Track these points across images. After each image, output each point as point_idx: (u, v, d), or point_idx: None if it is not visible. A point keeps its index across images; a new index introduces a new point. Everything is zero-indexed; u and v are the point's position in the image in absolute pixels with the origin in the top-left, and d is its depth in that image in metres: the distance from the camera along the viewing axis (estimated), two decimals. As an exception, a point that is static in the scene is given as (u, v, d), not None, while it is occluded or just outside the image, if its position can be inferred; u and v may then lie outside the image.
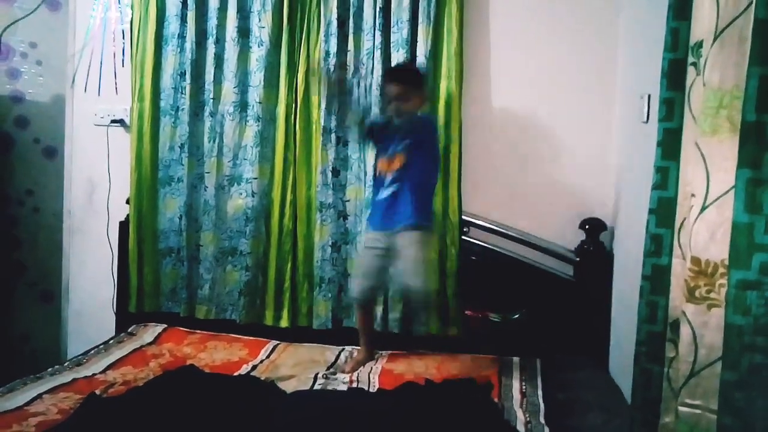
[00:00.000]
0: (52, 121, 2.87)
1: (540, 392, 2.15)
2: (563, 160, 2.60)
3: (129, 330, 2.63)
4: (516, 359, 2.41)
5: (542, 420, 1.94)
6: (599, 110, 2.56)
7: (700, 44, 1.30)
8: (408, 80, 2.29)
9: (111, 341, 2.51)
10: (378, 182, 2.35)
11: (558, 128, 2.59)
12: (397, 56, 2.53)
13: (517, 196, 2.63)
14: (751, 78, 1.16)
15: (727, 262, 1.18)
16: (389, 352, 2.48)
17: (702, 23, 1.29)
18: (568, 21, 2.56)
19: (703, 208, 1.22)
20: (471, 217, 2.58)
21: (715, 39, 1.23)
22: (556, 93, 2.57)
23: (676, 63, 1.39)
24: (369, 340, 2.42)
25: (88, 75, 2.83)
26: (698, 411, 1.22)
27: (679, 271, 1.31)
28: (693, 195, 1.25)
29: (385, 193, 2.28)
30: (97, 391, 1.95)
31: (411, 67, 2.47)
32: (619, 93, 2.51)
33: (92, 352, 2.38)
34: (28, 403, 1.85)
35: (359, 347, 2.44)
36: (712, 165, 1.22)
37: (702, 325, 1.22)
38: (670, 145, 1.39)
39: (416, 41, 2.52)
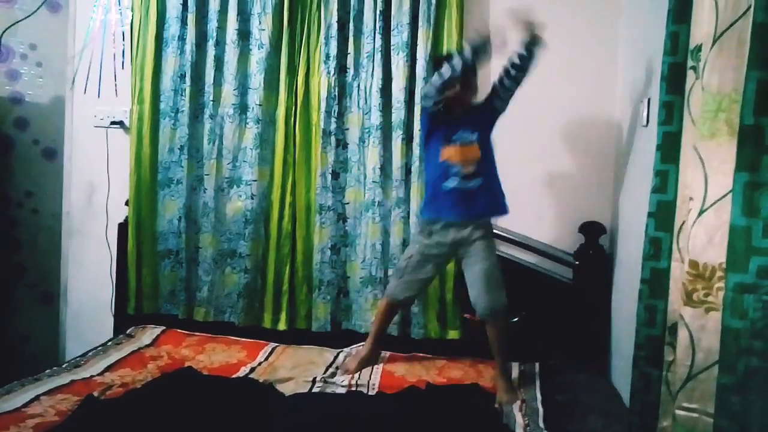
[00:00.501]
0: (51, 123, 2.87)
1: (539, 396, 2.14)
2: (563, 163, 2.60)
3: (127, 332, 2.62)
4: (515, 363, 2.40)
5: (541, 424, 1.93)
6: (599, 113, 2.56)
7: (699, 48, 1.31)
8: (472, 71, 2.19)
9: (109, 343, 2.51)
10: (446, 171, 2.19)
11: (557, 131, 2.59)
12: (398, 59, 2.53)
13: (516, 199, 2.60)
14: (749, 82, 1.16)
15: (724, 266, 1.18)
16: (389, 353, 2.47)
17: (701, 27, 1.30)
18: (568, 24, 2.55)
19: (702, 212, 1.22)
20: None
21: (714, 43, 1.23)
22: (555, 96, 2.57)
23: (676, 67, 1.40)
24: (378, 338, 2.39)
25: (87, 77, 2.83)
26: (695, 415, 1.22)
27: (678, 275, 1.31)
28: (691, 198, 1.25)
29: (464, 184, 2.17)
30: (95, 393, 1.94)
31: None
32: (619, 96, 2.51)
33: (90, 353, 2.37)
34: (25, 405, 1.84)
35: (365, 343, 2.40)
36: (710, 168, 1.22)
37: (699, 329, 1.22)
38: (669, 149, 1.39)
39: (416, 44, 2.52)
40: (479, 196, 2.19)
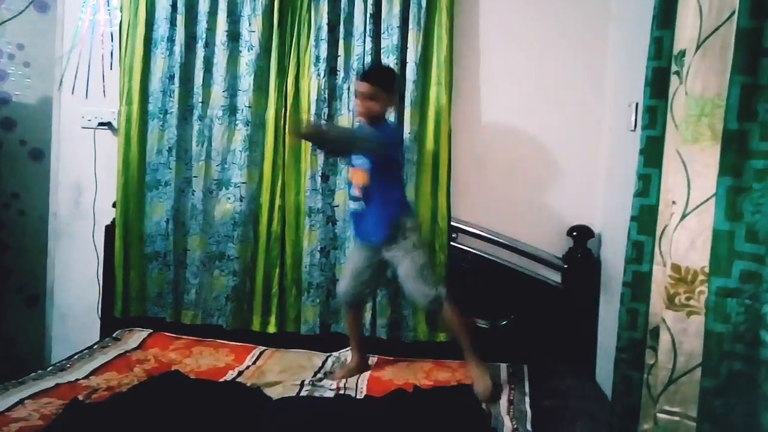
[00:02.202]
0: (38, 124, 2.85)
1: (527, 399, 2.14)
2: (552, 167, 2.60)
3: (114, 335, 2.61)
4: (503, 366, 2.41)
5: (529, 427, 1.94)
6: (588, 118, 2.56)
7: (683, 53, 1.31)
8: (374, 79, 2.24)
9: (95, 346, 2.49)
10: (350, 192, 2.33)
11: (547, 135, 2.59)
12: (388, 62, 2.52)
13: (505, 203, 2.63)
14: (733, 87, 1.17)
15: (707, 270, 1.19)
16: (377, 357, 2.47)
17: (685, 32, 1.30)
18: (558, 30, 2.57)
19: (684, 216, 1.23)
20: (459, 224, 2.58)
21: (697, 48, 1.24)
22: (545, 101, 2.58)
23: (660, 71, 1.41)
24: (359, 345, 2.40)
25: (75, 77, 2.81)
26: (676, 418, 1.23)
27: (660, 278, 1.31)
28: (674, 202, 1.26)
29: (353, 206, 2.30)
30: (80, 397, 1.93)
31: (381, 66, 2.46)
32: (608, 101, 2.52)
33: (76, 357, 2.36)
34: (9, 409, 1.82)
35: (350, 353, 2.42)
36: (693, 173, 1.23)
37: (681, 332, 1.22)
38: (652, 153, 1.40)
39: (406, 48, 2.52)
40: (364, 221, 2.27)
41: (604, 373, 2.34)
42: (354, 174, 2.29)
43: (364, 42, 2.54)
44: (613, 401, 1.48)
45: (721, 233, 1.16)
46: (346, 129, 2.50)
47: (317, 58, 2.58)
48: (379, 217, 2.23)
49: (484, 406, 2.06)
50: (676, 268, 1.23)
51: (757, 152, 1.13)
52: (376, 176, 2.22)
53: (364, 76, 2.30)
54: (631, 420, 1.38)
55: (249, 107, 2.62)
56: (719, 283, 1.15)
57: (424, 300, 2.21)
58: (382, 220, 2.22)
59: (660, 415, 1.24)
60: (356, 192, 2.26)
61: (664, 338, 1.23)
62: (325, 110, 2.59)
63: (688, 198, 1.22)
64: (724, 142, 1.18)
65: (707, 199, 1.20)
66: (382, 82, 2.24)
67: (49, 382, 2.04)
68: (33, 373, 2.13)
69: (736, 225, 1.15)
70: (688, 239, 1.22)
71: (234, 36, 2.65)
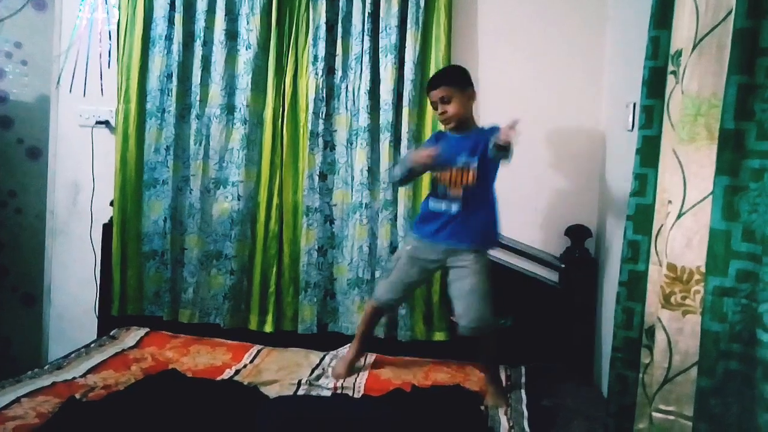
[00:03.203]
0: (36, 122, 2.85)
1: (524, 399, 2.14)
2: (549, 166, 2.60)
3: (111, 333, 2.60)
4: (501, 366, 2.40)
5: (526, 427, 1.94)
6: (586, 118, 2.57)
7: (679, 53, 1.31)
8: (445, 81, 2.16)
9: (92, 345, 2.48)
10: (439, 192, 2.17)
11: (544, 135, 2.59)
12: (386, 62, 2.53)
13: (503, 203, 2.60)
14: (730, 86, 1.17)
15: (702, 269, 1.19)
16: (375, 355, 2.47)
17: (681, 32, 1.31)
18: (555, 30, 2.57)
19: (680, 215, 1.23)
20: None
21: (694, 48, 1.24)
22: (542, 100, 2.58)
23: (657, 71, 1.41)
24: (364, 341, 2.37)
25: (73, 76, 2.81)
26: (672, 417, 1.23)
27: (656, 278, 1.31)
28: (670, 202, 1.26)
29: (451, 207, 2.13)
30: (77, 395, 1.93)
31: (449, 69, 2.37)
32: (605, 101, 2.52)
33: (73, 355, 2.35)
34: (6, 407, 1.82)
35: (350, 346, 2.40)
36: (689, 172, 1.23)
37: (677, 332, 1.22)
38: (648, 153, 1.40)
39: (405, 47, 2.52)
40: (463, 222, 2.12)
41: (602, 373, 2.34)
42: (457, 172, 2.11)
43: (362, 41, 2.54)
44: (608, 400, 1.48)
45: (718, 232, 1.16)
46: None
47: (315, 57, 2.58)
48: (479, 221, 2.13)
49: (482, 406, 2.06)
50: (671, 267, 1.23)
51: (753, 152, 1.13)
52: (482, 178, 2.11)
53: (431, 83, 2.21)
54: (626, 419, 1.38)
55: (247, 106, 2.62)
56: (716, 282, 1.15)
57: (479, 322, 2.08)
58: (481, 225, 2.14)
59: (655, 414, 1.24)
60: (454, 192, 2.12)
61: (660, 337, 1.24)
62: (323, 109, 2.59)
63: (684, 197, 1.23)
64: (721, 141, 1.18)
65: (703, 199, 1.20)
66: (452, 81, 2.16)
67: (45, 381, 2.04)
68: (30, 372, 2.13)
69: (732, 224, 1.15)
70: (684, 238, 1.22)
71: (232, 35, 2.65)
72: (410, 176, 2.22)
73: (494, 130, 2.04)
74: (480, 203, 2.14)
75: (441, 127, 2.49)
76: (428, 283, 2.53)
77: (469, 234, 2.13)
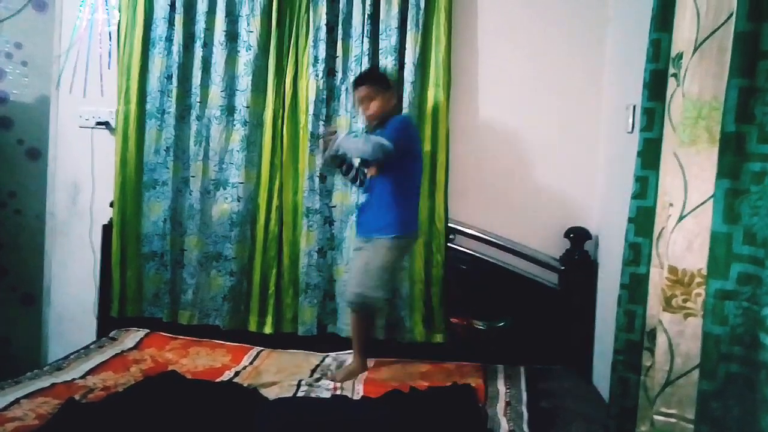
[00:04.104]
0: (36, 123, 2.84)
1: (524, 400, 2.14)
2: (549, 169, 2.60)
3: (110, 335, 2.60)
4: (500, 367, 2.41)
5: (526, 428, 1.94)
6: (586, 120, 2.57)
7: (680, 56, 1.32)
8: (367, 81, 2.34)
9: (92, 346, 2.48)
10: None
11: (544, 138, 2.60)
12: (386, 63, 2.53)
13: (503, 204, 2.63)
14: (731, 90, 1.17)
15: (703, 272, 1.19)
16: (374, 359, 2.46)
17: (682, 35, 1.31)
18: (556, 32, 2.57)
19: (681, 218, 1.23)
20: (457, 225, 2.58)
21: (695, 50, 1.24)
22: (543, 103, 2.58)
23: (657, 74, 1.41)
24: (362, 348, 2.37)
25: (73, 76, 2.81)
26: (673, 420, 1.23)
27: (657, 280, 1.31)
28: (671, 204, 1.26)
29: (362, 198, 2.35)
30: (76, 397, 1.93)
31: (371, 69, 2.50)
32: (605, 104, 2.53)
33: (72, 356, 2.35)
34: (5, 408, 1.82)
35: (352, 354, 2.40)
36: (690, 175, 1.23)
37: (678, 334, 1.22)
38: (649, 155, 1.40)
39: (404, 49, 2.52)
40: (368, 212, 2.34)
41: (601, 374, 2.34)
42: (370, 166, 2.36)
43: (363, 43, 2.54)
44: (610, 403, 1.49)
45: (719, 235, 1.16)
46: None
47: (315, 58, 2.58)
48: (388, 207, 2.29)
49: (481, 405, 2.06)
50: (673, 270, 1.23)
51: (754, 155, 1.14)
52: (386, 166, 2.28)
53: (356, 82, 2.38)
54: (628, 422, 1.38)
55: (247, 107, 2.62)
56: (717, 285, 1.15)
57: (358, 296, 2.25)
58: (389, 211, 2.28)
59: (657, 417, 1.24)
60: (368, 183, 2.36)
61: (661, 340, 1.24)
62: (323, 111, 2.60)
63: (685, 200, 1.23)
64: (722, 144, 1.18)
65: (704, 202, 1.20)
66: (374, 81, 2.34)
67: (45, 382, 2.04)
68: (29, 373, 2.13)
69: (734, 227, 1.15)
70: (685, 241, 1.22)
71: (232, 36, 2.65)
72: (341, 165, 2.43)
73: (394, 121, 2.30)
74: (385, 194, 2.29)
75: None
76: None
77: (373, 223, 2.31)
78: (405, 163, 2.29)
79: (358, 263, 2.30)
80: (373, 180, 2.29)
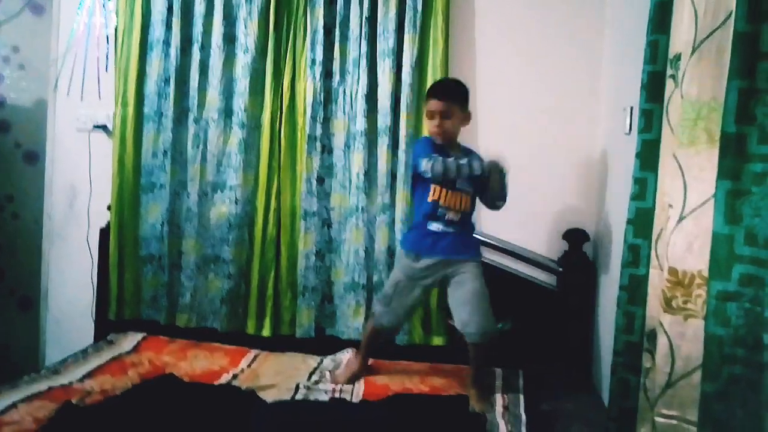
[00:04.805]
0: (33, 126, 2.84)
1: (522, 403, 2.14)
2: (547, 170, 2.60)
3: (108, 338, 2.59)
4: (498, 370, 2.40)
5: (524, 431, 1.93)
6: (584, 121, 2.57)
7: (678, 57, 1.31)
8: (450, 96, 2.15)
9: (89, 349, 2.47)
10: (433, 211, 2.16)
11: (542, 139, 2.59)
12: (384, 65, 2.53)
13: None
14: (731, 90, 1.17)
15: (704, 273, 1.19)
16: (372, 360, 2.45)
17: (680, 36, 1.31)
18: (553, 33, 2.57)
19: (681, 219, 1.23)
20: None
21: (693, 51, 1.24)
22: (540, 104, 2.58)
23: (655, 75, 1.41)
24: (369, 353, 2.36)
25: (71, 80, 2.79)
26: (674, 422, 1.22)
27: (656, 282, 1.31)
28: (671, 206, 1.26)
29: (446, 229, 2.16)
30: (73, 400, 1.91)
31: (451, 80, 2.34)
32: (603, 105, 2.53)
33: (70, 360, 2.34)
34: (2, 412, 1.81)
35: (353, 354, 2.41)
36: (689, 176, 1.23)
37: (679, 336, 1.22)
38: (648, 156, 1.40)
39: (402, 51, 2.52)
40: (458, 239, 2.17)
41: (600, 376, 2.34)
42: (453, 197, 2.15)
43: (360, 45, 2.54)
44: (609, 405, 1.48)
45: (721, 237, 1.16)
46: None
47: (313, 61, 2.58)
48: (470, 234, 2.26)
49: (477, 409, 2.05)
50: (673, 271, 1.23)
51: (755, 155, 1.14)
52: (474, 202, 2.22)
53: (435, 93, 2.17)
54: (627, 424, 1.38)
55: (244, 110, 2.62)
56: (719, 286, 1.15)
57: (487, 328, 2.11)
58: (473, 238, 2.28)
59: (658, 419, 1.24)
60: (452, 215, 2.16)
61: (662, 342, 1.23)
62: (321, 113, 2.59)
63: (684, 201, 1.22)
64: (723, 145, 1.18)
65: (704, 203, 1.20)
66: (456, 97, 2.16)
67: (42, 386, 2.03)
68: (26, 376, 2.11)
69: (735, 228, 1.15)
70: (685, 242, 1.22)
71: (230, 39, 2.64)
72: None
73: (476, 156, 2.16)
74: (470, 220, 2.24)
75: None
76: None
77: (465, 246, 2.19)
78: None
79: (468, 293, 2.12)
80: (462, 215, 2.18)
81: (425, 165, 2.09)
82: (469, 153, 2.22)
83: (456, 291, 2.16)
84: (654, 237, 1.35)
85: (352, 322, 2.58)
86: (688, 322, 1.22)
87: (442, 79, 2.43)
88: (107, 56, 2.78)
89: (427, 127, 2.22)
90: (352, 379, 2.28)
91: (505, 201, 2.24)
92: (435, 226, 2.16)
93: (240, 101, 2.62)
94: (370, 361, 2.43)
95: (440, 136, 2.16)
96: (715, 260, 1.16)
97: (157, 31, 2.66)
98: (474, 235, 2.30)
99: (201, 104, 2.65)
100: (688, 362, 1.20)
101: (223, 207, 2.65)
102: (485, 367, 2.24)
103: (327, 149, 2.62)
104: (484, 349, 2.15)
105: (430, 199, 2.15)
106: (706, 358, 1.17)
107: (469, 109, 2.22)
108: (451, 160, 2.09)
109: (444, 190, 2.14)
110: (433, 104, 2.14)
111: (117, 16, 2.70)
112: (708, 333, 1.16)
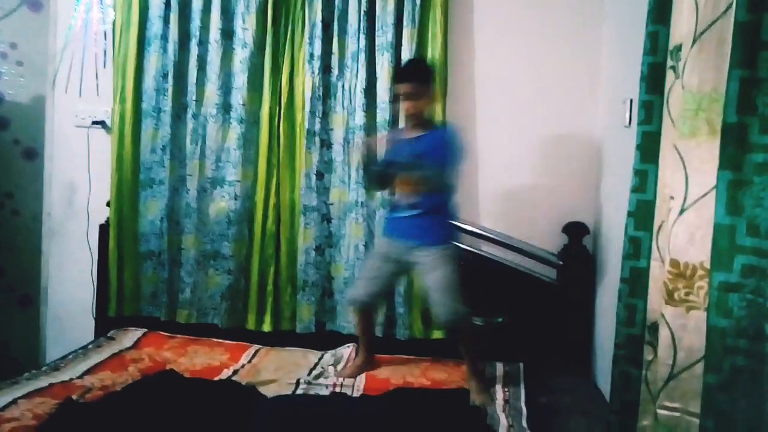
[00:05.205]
0: (32, 123, 2.83)
1: (523, 397, 2.14)
2: (546, 164, 2.60)
3: (108, 334, 2.59)
4: (499, 364, 2.40)
5: (525, 425, 1.93)
6: (583, 114, 2.56)
7: (678, 48, 1.31)
8: (414, 77, 2.17)
9: (90, 346, 2.47)
10: (397, 201, 2.25)
11: (541, 132, 2.59)
12: (382, 60, 2.52)
13: (500, 200, 2.63)
14: (732, 81, 1.16)
15: (705, 265, 1.18)
16: (373, 354, 2.45)
17: (681, 27, 1.30)
18: (552, 26, 2.56)
19: (682, 211, 1.22)
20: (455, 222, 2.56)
21: (694, 42, 1.23)
22: (539, 97, 2.58)
23: (655, 67, 1.40)
24: (368, 345, 2.37)
25: (69, 76, 2.78)
26: (677, 414, 1.22)
27: (657, 274, 1.31)
28: (672, 197, 1.25)
29: (405, 214, 2.19)
30: (74, 396, 1.91)
31: (420, 62, 2.39)
32: (602, 98, 2.52)
33: (70, 356, 2.34)
34: (2, 409, 1.80)
35: (348, 345, 2.44)
36: (690, 167, 1.22)
37: (681, 328, 1.21)
38: (648, 148, 1.39)
39: (401, 45, 2.51)
40: (415, 225, 2.17)
41: (600, 370, 2.34)
42: (408, 183, 2.18)
43: (359, 39, 2.53)
44: (611, 398, 1.48)
45: (722, 227, 1.15)
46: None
47: (311, 55, 2.57)
48: (435, 221, 2.19)
49: (478, 402, 2.05)
50: (674, 263, 1.22)
51: (757, 146, 1.13)
52: (434, 184, 2.16)
53: (400, 77, 2.23)
54: (629, 416, 1.37)
55: (243, 105, 2.61)
56: (721, 278, 1.14)
57: (453, 314, 2.12)
58: (440, 224, 2.20)
59: (660, 411, 1.24)
60: (409, 200, 2.17)
61: (664, 334, 1.23)
62: (320, 108, 2.58)
63: (686, 193, 1.22)
64: (724, 136, 1.18)
65: (705, 194, 1.20)
66: (423, 78, 2.17)
67: (42, 382, 2.02)
68: (26, 373, 2.11)
69: (737, 219, 1.15)
70: (686, 234, 1.21)
71: (228, 34, 2.63)
72: (381, 176, 2.27)
73: (447, 133, 2.20)
74: (437, 204, 2.18)
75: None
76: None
77: (427, 231, 2.18)
78: (449, 181, 2.21)
79: (432, 281, 2.15)
80: (419, 199, 2.17)
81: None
82: (432, 134, 2.20)
83: (421, 281, 2.26)
84: (655, 229, 1.34)
85: (352, 317, 2.57)
86: (690, 313, 1.21)
87: (411, 60, 2.44)
88: (105, 52, 2.77)
89: (402, 108, 2.27)
90: (357, 372, 2.29)
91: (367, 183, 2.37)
92: (397, 213, 2.24)
93: (238, 96, 2.62)
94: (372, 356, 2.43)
95: (408, 119, 2.24)
96: (716, 251, 1.15)
97: (154, 27, 2.65)
98: (447, 221, 2.24)
99: (199, 100, 2.64)
100: (691, 354, 1.20)
101: (223, 202, 2.65)
102: (478, 357, 2.24)
103: (326, 144, 2.62)
104: (463, 336, 2.20)
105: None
106: (708, 350, 1.16)
107: (435, 88, 2.27)
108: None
109: (398, 179, 2.22)
110: (405, 87, 2.17)
111: (114, 12, 2.68)
112: (710, 324, 1.16)
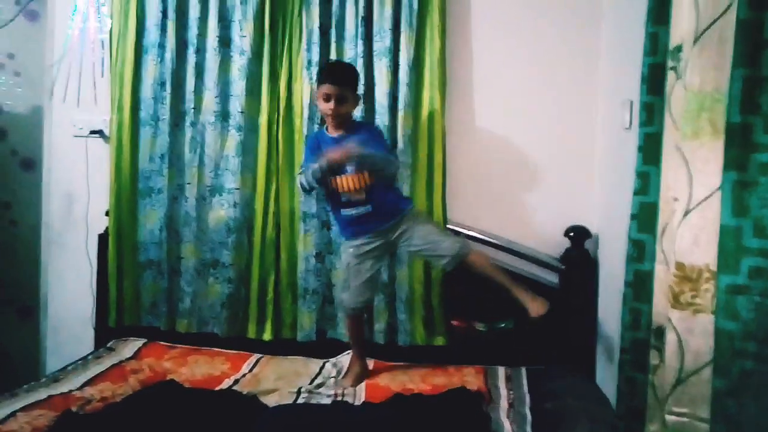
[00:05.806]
0: (30, 133, 2.82)
1: (527, 402, 2.12)
2: (547, 167, 2.59)
3: (108, 345, 2.57)
4: (502, 369, 2.39)
5: (529, 431, 1.91)
6: (583, 118, 2.55)
7: (679, 48, 1.29)
8: (344, 81, 2.22)
9: (89, 357, 2.45)
10: (339, 200, 2.25)
11: (541, 136, 2.58)
12: (380, 65, 2.51)
13: (501, 204, 2.61)
14: (735, 80, 1.15)
15: (711, 267, 1.17)
16: (373, 361, 2.44)
17: (681, 27, 1.29)
18: (550, 29, 2.56)
19: (687, 213, 1.20)
20: (455, 226, 2.55)
21: (695, 42, 1.22)
22: (539, 101, 2.57)
23: (656, 67, 1.39)
24: (362, 351, 2.37)
25: (66, 86, 2.78)
26: (685, 419, 1.20)
27: (662, 277, 1.29)
28: (676, 199, 1.23)
29: (357, 211, 2.23)
30: (73, 408, 1.90)
31: (345, 64, 2.42)
32: (601, 100, 2.51)
33: (70, 368, 2.32)
34: (1, 422, 1.78)
35: (348, 353, 2.42)
36: (694, 169, 1.21)
37: (687, 331, 1.20)
38: (650, 150, 1.38)
39: (399, 50, 2.50)
40: (375, 215, 2.23)
41: (604, 374, 2.32)
42: (349, 180, 2.20)
43: (357, 45, 2.52)
44: (618, 403, 1.46)
45: (728, 229, 1.14)
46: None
47: (309, 61, 2.56)
48: (388, 202, 2.25)
49: (484, 408, 2.03)
50: (680, 266, 1.21)
51: (762, 145, 1.12)
52: (375, 175, 2.21)
53: (328, 78, 2.23)
54: (636, 422, 1.35)
55: (241, 112, 2.60)
56: (728, 280, 1.13)
57: (454, 248, 2.19)
58: (396, 199, 2.29)
59: (669, 417, 1.22)
60: (358, 196, 2.21)
61: (670, 338, 1.21)
62: (318, 114, 2.57)
63: (690, 194, 1.20)
64: (728, 136, 1.16)
65: (710, 195, 1.18)
66: (351, 83, 2.26)
67: (41, 394, 2.00)
68: (25, 385, 2.09)
69: (743, 220, 1.13)
70: (691, 236, 1.19)
71: (225, 41, 2.62)
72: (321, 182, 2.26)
73: (373, 127, 2.34)
74: (384, 190, 2.25)
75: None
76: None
77: (389, 212, 2.24)
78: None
79: (428, 230, 2.24)
80: (366, 193, 2.21)
81: (299, 181, 2.30)
82: (359, 130, 2.27)
83: (411, 244, 2.25)
84: (659, 232, 1.33)
85: (345, 324, 2.55)
86: (696, 317, 1.19)
87: (335, 62, 2.47)
88: (102, 61, 2.76)
89: (321, 109, 2.28)
90: (357, 381, 2.28)
91: (389, 170, 2.26)
92: (348, 212, 2.25)
93: (237, 104, 2.61)
94: (372, 363, 2.42)
95: (334, 119, 2.24)
96: (723, 253, 1.14)
97: (152, 35, 2.64)
98: (397, 190, 2.35)
99: (197, 108, 2.63)
100: (698, 358, 1.18)
101: (222, 211, 2.63)
102: (500, 271, 2.26)
103: (325, 150, 2.60)
104: (478, 260, 2.24)
105: (331, 190, 2.26)
106: (716, 354, 1.14)
107: (358, 93, 2.33)
108: (315, 167, 2.17)
109: (338, 179, 2.21)
110: (329, 88, 2.20)
111: (111, 21, 2.68)
112: (718, 328, 1.14)
